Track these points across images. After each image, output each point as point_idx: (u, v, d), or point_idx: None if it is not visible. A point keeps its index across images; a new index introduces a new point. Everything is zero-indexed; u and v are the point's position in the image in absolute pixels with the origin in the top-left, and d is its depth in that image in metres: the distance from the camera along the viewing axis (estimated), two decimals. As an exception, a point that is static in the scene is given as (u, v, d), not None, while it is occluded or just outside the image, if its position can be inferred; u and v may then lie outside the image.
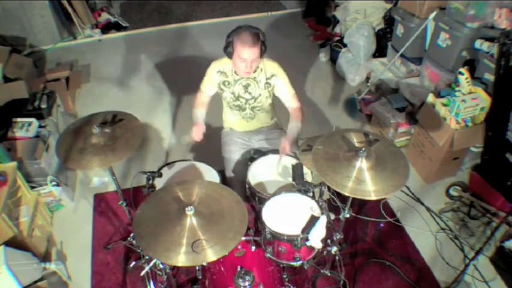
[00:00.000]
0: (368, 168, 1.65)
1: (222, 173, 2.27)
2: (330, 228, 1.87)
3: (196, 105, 2.37)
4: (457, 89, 2.72)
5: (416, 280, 2.38)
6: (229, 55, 2.14)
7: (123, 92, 4.03)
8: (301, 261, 1.82)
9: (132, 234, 2.44)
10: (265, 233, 1.83)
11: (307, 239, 1.73)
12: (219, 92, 2.35)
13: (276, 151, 2.39)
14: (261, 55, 2.13)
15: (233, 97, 2.32)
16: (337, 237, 2.01)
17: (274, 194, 1.98)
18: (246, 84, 2.27)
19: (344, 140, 1.80)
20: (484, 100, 2.62)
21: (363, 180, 1.62)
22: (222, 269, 1.86)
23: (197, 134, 2.25)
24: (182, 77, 4.20)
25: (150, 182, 2.01)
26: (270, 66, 2.25)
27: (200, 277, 2.07)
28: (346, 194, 1.60)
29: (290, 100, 2.33)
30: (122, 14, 5.42)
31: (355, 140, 1.81)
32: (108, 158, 1.77)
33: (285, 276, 2.03)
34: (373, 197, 1.58)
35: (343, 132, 1.85)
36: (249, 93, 2.29)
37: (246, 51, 2.03)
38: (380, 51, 3.95)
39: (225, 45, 2.12)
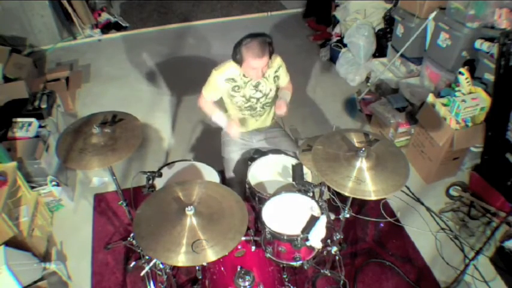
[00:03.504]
0: (368, 168, 1.66)
1: (222, 173, 2.27)
2: (330, 228, 1.87)
3: (212, 110, 2.33)
4: (457, 89, 2.72)
5: (416, 280, 2.38)
6: (239, 63, 2.12)
7: (123, 92, 4.02)
8: (301, 261, 1.82)
9: (132, 234, 2.44)
10: (265, 233, 1.83)
11: (307, 239, 1.73)
12: (228, 98, 2.32)
13: (276, 151, 2.39)
14: (270, 57, 2.11)
15: (245, 100, 2.30)
16: (337, 237, 2.01)
17: (274, 194, 1.99)
18: (256, 84, 2.25)
19: (344, 140, 1.80)
20: (484, 100, 2.62)
21: (363, 180, 1.62)
22: (222, 269, 1.86)
23: (236, 130, 2.27)
24: (182, 77, 4.20)
25: (150, 182, 2.01)
26: (275, 60, 2.25)
27: (200, 277, 2.07)
28: (346, 194, 1.60)
29: (286, 84, 2.39)
30: (122, 14, 5.42)
31: (355, 140, 1.81)
32: (108, 158, 1.77)
33: (285, 276, 2.04)
34: (373, 197, 1.58)
35: (343, 132, 1.85)
36: (260, 91, 2.28)
37: (256, 62, 2.04)
38: (380, 51, 3.95)
39: (233, 53, 2.11)
